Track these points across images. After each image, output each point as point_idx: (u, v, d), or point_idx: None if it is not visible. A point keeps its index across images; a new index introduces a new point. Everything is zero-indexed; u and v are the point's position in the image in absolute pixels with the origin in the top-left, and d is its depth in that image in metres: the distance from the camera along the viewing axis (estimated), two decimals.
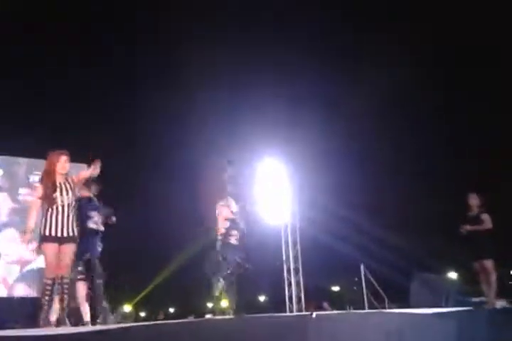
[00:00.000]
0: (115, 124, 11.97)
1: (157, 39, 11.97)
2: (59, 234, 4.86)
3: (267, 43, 12.12)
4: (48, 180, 5.00)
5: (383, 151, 13.79)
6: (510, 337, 5.37)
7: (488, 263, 6.70)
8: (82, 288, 6.05)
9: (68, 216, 4.93)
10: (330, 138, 12.58)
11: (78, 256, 5.43)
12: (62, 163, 5.10)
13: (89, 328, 3.80)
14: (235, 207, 7.21)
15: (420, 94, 13.42)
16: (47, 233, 4.85)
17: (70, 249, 4.91)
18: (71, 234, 4.92)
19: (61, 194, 4.95)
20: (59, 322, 4.69)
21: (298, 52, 11.80)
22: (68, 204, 4.97)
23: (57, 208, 4.91)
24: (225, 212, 7.18)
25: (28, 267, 10.62)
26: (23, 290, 10.53)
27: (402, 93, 12.97)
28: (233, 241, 7.10)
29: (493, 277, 6.69)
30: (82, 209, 5.62)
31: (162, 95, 12.52)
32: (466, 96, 13.72)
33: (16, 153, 10.96)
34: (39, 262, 9.78)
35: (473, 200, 7.00)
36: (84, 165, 11.28)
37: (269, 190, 10.63)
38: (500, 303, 6.86)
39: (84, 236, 5.52)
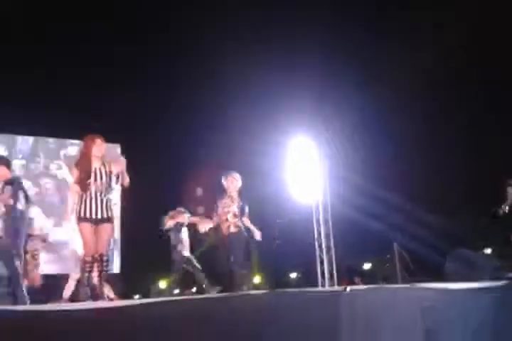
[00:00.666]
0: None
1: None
2: (93, 216, 4.97)
3: (291, 18, 11.92)
4: (84, 165, 5.08)
5: (417, 126, 13.52)
6: None
7: None
8: None
9: (102, 200, 5.04)
10: (362, 113, 12.39)
11: None
12: (98, 146, 5.18)
13: (131, 301, 3.88)
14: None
15: (459, 71, 13.06)
16: (82, 215, 4.98)
17: (106, 229, 5.02)
18: (105, 215, 5.03)
19: (95, 179, 5.04)
20: (97, 297, 4.83)
21: (326, 25, 11.57)
22: (101, 190, 5.07)
23: (90, 194, 5.01)
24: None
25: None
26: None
27: (440, 68, 12.64)
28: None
29: None
30: None
31: (183, 74, 12.48)
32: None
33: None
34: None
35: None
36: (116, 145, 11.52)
37: (300, 168, 10.60)
38: None
39: None
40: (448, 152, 13.94)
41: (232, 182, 6.91)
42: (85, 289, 4.83)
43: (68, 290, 7.37)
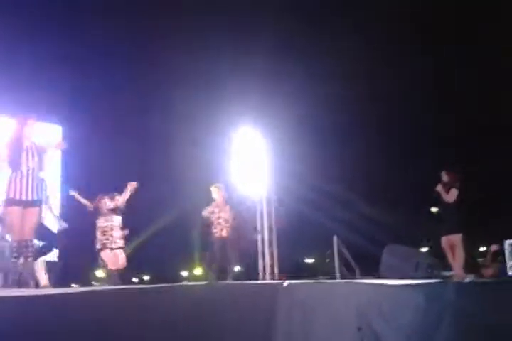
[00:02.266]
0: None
1: None
2: (23, 198, 4.80)
3: (242, 6, 11.88)
4: (15, 144, 4.90)
5: (362, 121, 13.77)
6: (477, 310, 5.49)
7: (455, 238, 6.83)
8: None
9: (33, 180, 4.87)
10: (307, 106, 12.50)
11: None
12: (30, 127, 5.01)
13: (52, 291, 3.76)
14: None
15: (405, 57, 13.36)
16: (11, 196, 4.80)
17: (34, 213, 4.85)
18: (35, 197, 4.87)
19: (27, 158, 4.88)
20: (23, 284, 4.68)
21: (277, 16, 11.61)
22: (33, 169, 4.90)
23: (21, 172, 4.83)
24: None
25: None
26: None
27: (383, 57, 12.91)
28: None
29: (460, 251, 6.82)
30: None
31: (138, 60, 12.24)
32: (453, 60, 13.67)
33: None
34: None
35: (445, 176, 7.15)
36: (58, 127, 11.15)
37: (245, 160, 10.56)
38: (469, 277, 7.00)
39: None
40: (392, 147, 14.26)
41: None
42: (12, 276, 4.67)
43: None
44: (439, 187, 7.04)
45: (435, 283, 5.90)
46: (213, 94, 11.62)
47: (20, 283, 4.60)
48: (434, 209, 7.06)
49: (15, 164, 4.79)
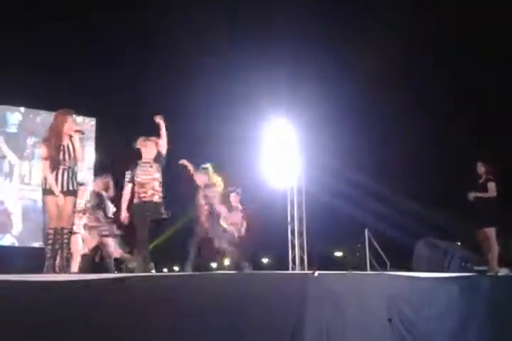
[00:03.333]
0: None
1: None
2: (59, 188, 4.90)
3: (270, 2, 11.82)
4: (54, 141, 4.98)
5: (394, 112, 13.54)
6: (510, 304, 5.39)
7: (489, 231, 6.68)
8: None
9: (68, 175, 4.97)
10: (338, 98, 12.36)
11: None
12: (70, 124, 5.08)
13: (87, 276, 3.82)
14: None
15: (434, 51, 13.12)
16: (48, 187, 4.91)
17: (70, 202, 4.95)
18: (71, 188, 4.96)
19: (64, 158, 4.98)
20: (60, 270, 4.77)
21: (304, 6, 11.48)
22: (69, 166, 5.01)
23: (58, 169, 4.94)
24: None
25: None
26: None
27: (415, 51, 12.68)
28: None
29: (495, 245, 6.68)
30: None
31: (160, 56, 12.30)
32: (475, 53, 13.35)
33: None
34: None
35: (481, 168, 6.97)
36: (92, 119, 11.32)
37: (275, 151, 10.55)
38: (503, 271, 6.87)
39: None
40: (428, 141, 14.01)
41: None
42: (49, 262, 4.77)
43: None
44: (481, 181, 6.88)
45: (469, 276, 5.81)
46: (243, 88, 11.60)
47: (56, 269, 4.71)
48: (468, 202, 6.88)
49: (54, 164, 4.89)
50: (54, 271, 4.69)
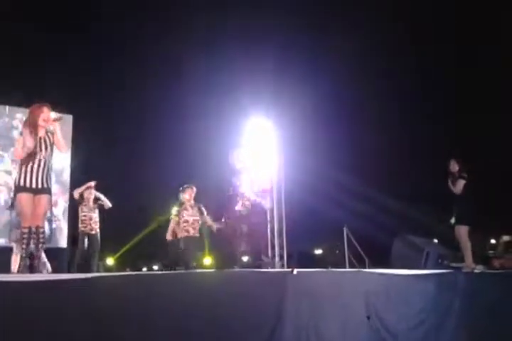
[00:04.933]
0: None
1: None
2: (33, 186, 4.84)
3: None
4: (30, 133, 4.94)
5: (374, 111, 13.63)
6: (486, 300, 5.48)
7: (460, 229, 6.76)
8: None
9: (44, 169, 4.91)
10: (319, 97, 12.40)
11: None
12: (45, 115, 5.04)
13: (62, 276, 3.78)
14: None
15: (410, 50, 13.22)
16: (21, 184, 4.83)
17: (44, 200, 4.89)
18: (45, 185, 4.90)
19: (40, 149, 4.92)
20: (33, 270, 4.72)
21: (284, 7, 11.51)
22: (45, 159, 4.95)
23: (34, 162, 4.88)
24: None
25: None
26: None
27: (392, 49, 12.76)
28: None
29: (466, 243, 6.75)
30: None
31: (143, 53, 12.20)
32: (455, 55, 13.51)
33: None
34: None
35: (454, 166, 7.03)
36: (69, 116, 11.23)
37: (256, 149, 10.55)
38: (479, 268, 6.97)
39: None
40: (405, 138, 14.11)
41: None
42: (25, 260, 4.71)
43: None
44: (454, 177, 6.94)
45: (445, 272, 5.89)
46: (224, 85, 11.57)
47: (32, 270, 4.65)
48: (445, 199, 6.96)
49: (30, 154, 4.84)
50: (30, 271, 4.63)
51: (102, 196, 7.92)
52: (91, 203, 7.88)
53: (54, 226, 9.95)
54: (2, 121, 11.07)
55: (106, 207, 7.92)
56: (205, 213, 7.74)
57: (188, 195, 7.83)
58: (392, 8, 12.11)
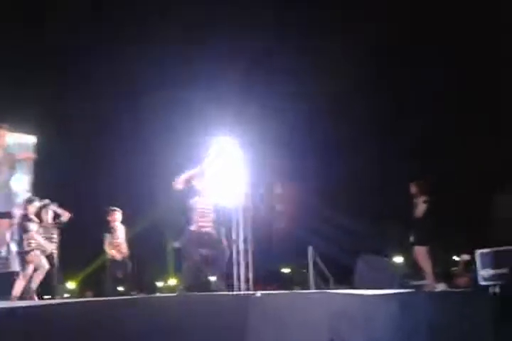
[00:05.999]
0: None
1: None
2: None
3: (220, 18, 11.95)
4: None
5: (338, 133, 13.88)
6: (449, 318, 5.54)
7: (418, 250, 6.90)
8: None
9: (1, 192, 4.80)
10: (284, 118, 12.56)
11: None
12: (2, 137, 4.95)
13: (17, 303, 3.68)
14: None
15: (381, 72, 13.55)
16: None
17: (4, 224, 4.77)
18: (4, 210, 4.79)
19: None
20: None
21: (248, 25, 11.68)
22: (3, 181, 4.84)
23: None
24: None
25: None
26: None
27: (359, 72, 13.07)
28: None
29: (425, 262, 6.87)
30: None
31: (111, 70, 12.18)
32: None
33: None
34: None
35: (413, 188, 7.22)
36: (28, 136, 11.02)
37: (221, 170, 10.54)
38: (440, 286, 7.07)
39: None
40: (367, 159, 14.36)
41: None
42: None
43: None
44: (416, 200, 7.08)
45: (407, 292, 5.94)
46: (190, 104, 11.59)
47: None
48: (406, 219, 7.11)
49: None
50: None
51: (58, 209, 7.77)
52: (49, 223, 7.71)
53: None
54: None
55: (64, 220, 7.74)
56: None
57: (111, 217, 8.24)
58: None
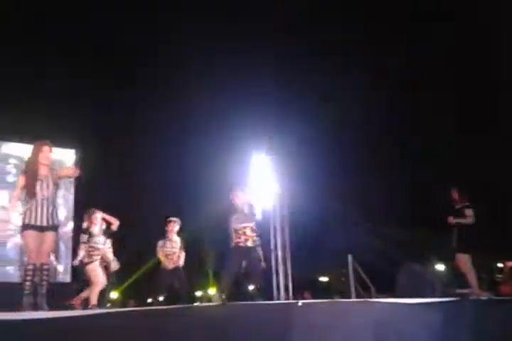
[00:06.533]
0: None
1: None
2: (38, 223, 4.89)
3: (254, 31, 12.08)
4: (31, 172, 5.02)
5: (374, 140, 13.78)
6: (494, 327, 5.41)
7: (461, 257, 6.77)
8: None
9: (48, 208, 4.97)
10: (322, 124, 12.55)
11: None
12: (45, 154, 5.13)
13: (66, 313, 3.77)
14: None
15: (411, 82, 13.43)
16: (27, 222, 4.89)
17: (50, 237, 4.94)
18: (51, 222, 4.96)
19: (41, 187, 4.98)
20: (38, 307, 4.71)
21: (288, 41, 11.76)
22: (48, 197, 5.00)
23: (37, 201, 4.94)
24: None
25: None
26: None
27: (393, 80, 12.98)
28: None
29: (469, 270, 6.74)
30: None
31: (153, 82, 12.42)
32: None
33: None
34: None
35: (455, 195, 7.10)
36: (71, 151, 11.32)
37: (258, 178, 10.60)
38: (485, 295, 6.91)
39: None
40: (405, 165, 14.20)
41: (239, 197, 7.11)
42: (29, 298, 4.70)
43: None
44: (458, 205, 6.97)
45: (452, 301, 5.83)
46: (229, 112, 11.73)
47: (35, 307, 4.64)
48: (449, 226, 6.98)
49: (30, 193, 4.91)
50: (33, 309, 4.63)
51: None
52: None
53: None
54: None
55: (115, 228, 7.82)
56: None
57: (169, 227, 8.34)
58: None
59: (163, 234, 8.53)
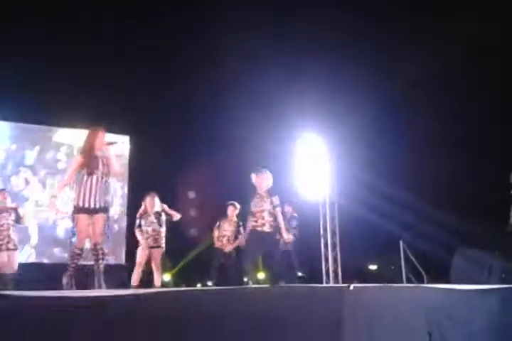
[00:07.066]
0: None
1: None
2: (91, 206, 4.99)
3: (302, 14, 11.87)
4: (87, 153, 5.13)
5: (428, 124, 13.37)
6: None
7: None
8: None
9: (101, 187, 5.06)
10: (370, 111, 12.28)
11: None
12: (101, 139, 5.24)
13: (112, 291, 3.82)
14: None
15: (467, 71, 12.93)
16: (80, 204, 4.99)
17: (101, 219, 5.04)
18: (103, 205, 5.06)
19: (97, 167, 5.09)
20: (96, 286, 4.83)
21: (338, 22, 11.51)
22: (103, 177, 5.10)
23: (92, 178, 5.03)
24: None
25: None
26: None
27: (450, 68, 12.52)
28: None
29: None
30: None
31: (197, 70, 12.44)
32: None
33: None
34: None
35: None
36: (126, 137, 11.56)
37: (308, 164, 10.54)
38: None
39: None
40: (460, 150, 13.75)
41: (262, 181, 7.01)
42: (68, 279, 4.81)
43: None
44: None
45: (509, 287, 5.64)
46: (274, 101, 11.63)
47: (91, 286, 4.77)
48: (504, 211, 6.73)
49: (89, 170, 5.01)
50: (89, 287, 4.74)
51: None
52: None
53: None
54: (49, 154, 11.77)
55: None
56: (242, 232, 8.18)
57: (229, 211, 8.68)
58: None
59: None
